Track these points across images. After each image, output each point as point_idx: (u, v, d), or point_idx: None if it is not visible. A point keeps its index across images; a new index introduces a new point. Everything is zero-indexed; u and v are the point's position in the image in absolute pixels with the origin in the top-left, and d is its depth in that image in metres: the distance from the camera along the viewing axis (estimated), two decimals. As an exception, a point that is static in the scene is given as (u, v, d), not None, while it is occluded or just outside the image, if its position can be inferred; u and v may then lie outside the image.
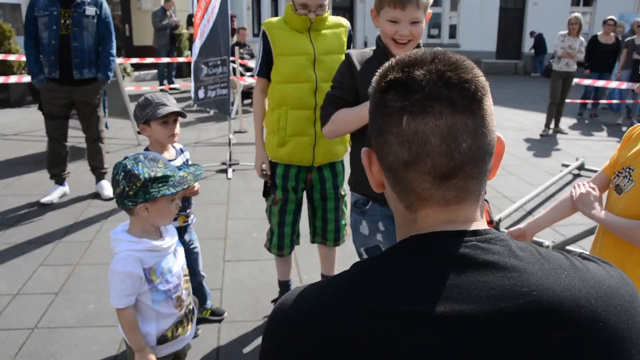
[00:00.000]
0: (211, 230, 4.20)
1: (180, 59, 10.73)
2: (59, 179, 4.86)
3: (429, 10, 1.99)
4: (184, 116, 2.65)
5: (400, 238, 0.82)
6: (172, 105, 2.49)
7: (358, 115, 1.96)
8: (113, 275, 1.86)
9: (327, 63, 2.51)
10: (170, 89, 11.48)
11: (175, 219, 2.47)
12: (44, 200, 4.67)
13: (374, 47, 2.10)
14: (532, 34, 19.62)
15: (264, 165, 2.72)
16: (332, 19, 2.60)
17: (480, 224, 0.78)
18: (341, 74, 2.09)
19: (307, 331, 0.70)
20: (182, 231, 2.69)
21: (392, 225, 2.18)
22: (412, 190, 0.77)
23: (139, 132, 2.87)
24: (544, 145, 7.87)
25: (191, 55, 6.16)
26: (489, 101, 0.76)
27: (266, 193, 2.78)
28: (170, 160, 2.37)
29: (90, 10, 4.49)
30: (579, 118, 10.29)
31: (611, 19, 10.10)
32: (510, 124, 9.49)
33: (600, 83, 9.03)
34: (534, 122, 9.25)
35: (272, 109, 2.64)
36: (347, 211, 2.71)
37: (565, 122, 9.53)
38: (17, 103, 9.56)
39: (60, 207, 4.64)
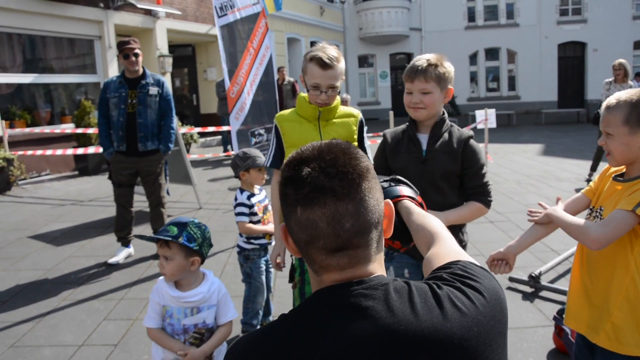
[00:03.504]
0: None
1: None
2: (125, 241, 5.34)
3: (450, 86, 2.35)
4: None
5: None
6: (264, 158, 3.39)
7: None
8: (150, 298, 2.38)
9: None
10: (230, 154, 12.15)
11: (263, 237, 3.51)
12: (111, 260, 5.14)
13: (407, 123, 2.49)
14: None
15: (278, 258, 2.76)
16: (343, 109, 2.71)
17: (373, 275, 0.97)
18: (377, 155, 2.53)
19: None
20: (265, 250, 3.57)
21: (416, 274, 2.40)
22: (314, 261, 0.97)
23: (237, 177, 3.55)
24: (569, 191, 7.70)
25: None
26: (368, 183, 0.95)
27: (291, 279, 2.81)
28: (255, 195, 3.54)
29: (154, 90, 5.06)
30: None
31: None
32: (566, 174, 9.35)
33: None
34: (584, 170, 9.04)
35: None
36: None
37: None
38: (93, 171, 10.46)
39: (125, 267, 5.09)
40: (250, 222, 3.46)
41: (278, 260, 2.78)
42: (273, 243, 3.58)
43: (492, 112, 9.09)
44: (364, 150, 2.75)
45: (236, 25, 6.29)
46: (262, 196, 3.60)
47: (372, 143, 7.36)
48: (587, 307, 2.07)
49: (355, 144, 2.70)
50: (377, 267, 0.99)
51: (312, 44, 20.80)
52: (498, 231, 5.92)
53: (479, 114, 9.11)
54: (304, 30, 19.87)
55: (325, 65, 2.46)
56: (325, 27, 21.61)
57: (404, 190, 1.58)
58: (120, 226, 5.30)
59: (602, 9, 21.89)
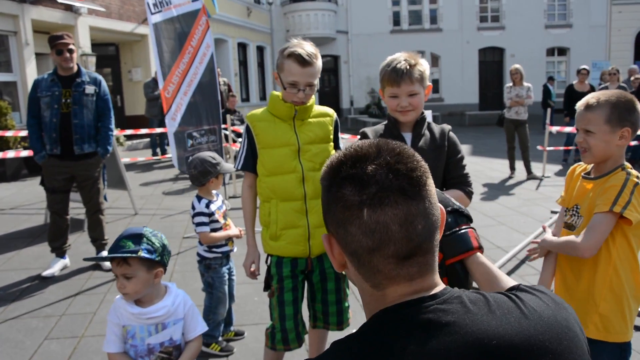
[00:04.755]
0: (212, 295, 4.26)
1: (173, 127, 10.97)
2: (60, 252, 4.93)
3: (429, 83, 2.30)
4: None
5: (370, 313, 0.90)
6: (228, 163, 3.24)
7: None
8: (108, 320, 2.13)
9: (312, 151, 2.49)
10: (164, 157, 11.70)
11: (225, 244, 3.35)
12: (46, 273, 4.73)
13: (385, 122, 2.42)
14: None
15: (253, 266, 2.63)
16: (318, 109, 2.59)
17: (440, 287, 0.89)
18: None
19: None
20: (227, 258, 3.42)
21: None
22: (379, 271, 0.86)
23: (202, 184, 3.29)
24: (531, 193, 8.07)
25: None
26: (431, 181, 0.88)
27: (267, 287, 2.62)
28: (213, 201, 3.33)
29: (90, 89, 4.71)
30: (564, 164, 10.58)
31: (584, 68, 10.59)
32: (496, 174, 9.73)
33: (580, 130, 9.35)
34: (520, 170, 9.50)
35: (262, 203, 2.58)
36: (351, 292, 2.78)
37: (551, 168, 9.81)
38: (12, 177, 9.71)
39: (62, 279, 4.70)
40: (211, 230, 3.27)
41: (252, 269, 2.63)
42: (235, 250, 3.43)
43: (428, 113, 9.26)
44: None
45: (172, 22, 6.00)
46: (220, 202, 3.42)
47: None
48: (571, 303, 2.11)
49: (332, 144, 2.59)
50: (438, 277, 0.91)
51: (240, 44, 20.50)
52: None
53: (427, 114, 9.32)
54: (231, 31, 19.52)
55: (304, 62, 2.34)
56: (253, 29, 21.36)
57: (474, 236, 1.38)
58: (55, 235, 4.89)
59: (518, 17, 23.13)
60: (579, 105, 2.09)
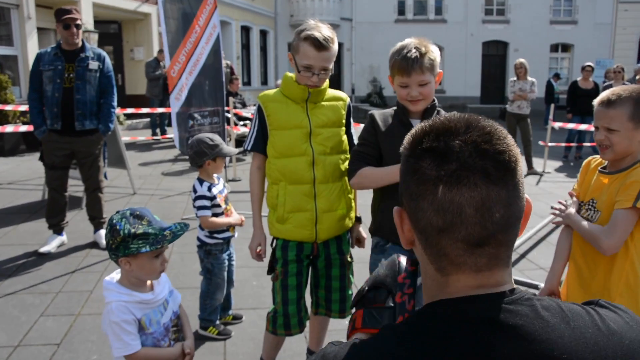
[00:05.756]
0: (210, 278, 4.23)
1: (173, 108, 10.90)
2: (57, 229, 4.89)
3: (439, 70, 2.25)
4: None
5: (428, 298, 0.84)
6: (229, 146, 3.20)
7: (384, 176, 2.17)
8: (112, 326, 1.91)
9: (324, 135, 2.45)
10: (164, 138, 11.63)
11: (227, 230, 3.27)
12: (42, 249, 4.69)
13: (394, 108, 2.37)
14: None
15: (259, 247, 2.60)
16: (331, 92, 2.54)
17: (509, 285, 0.81)
18: (366, 132, 2.35)
19: None
20: (228, 244, 3.36)
21: None
22: (445, 255, 0.79)
23: (199, 166, 3.23)
24: (531, 188, 8.05)
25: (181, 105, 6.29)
26: (520, 169, 0.80)
27: (271, 270, 2.58)
28: (215, 185, 3.24)
29: (94, 65, 4.64)
30: (565, 160, 10.56)
31: (589, 66, 10.53)
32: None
33: (583, 127, 9.33)
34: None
35: (270, 185, 2.54)
36: (354, 280, 2.75)
37: (551, 164, 9.78)
38: (10, 152, 9.63)
39: (58, 256, 4.66)
40: (213, 215, 3.22)
41: (258, 250, 2.59)
42: (236, 235, 3.39)
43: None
44: (350, 136, 2.61)
45: (177, 2, 5.91)
46: (222, 186, 3.37)
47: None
48: (586, 298, 2.09)
49: (343, 129, 2.55)
50: (509, 277, 0.83)
51: (243, 28, 20.33)
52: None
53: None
54: (235, 14, 19.34)
55: (320, 46, 2.29)
56: (257, 12, 21.17)
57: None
58: (53, 212, 4.84)
59: (523, 11, 22.98)
60: (598, 101, 2.04)
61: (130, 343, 1.92)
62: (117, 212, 1.97)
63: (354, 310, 1.11)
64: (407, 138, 0.85)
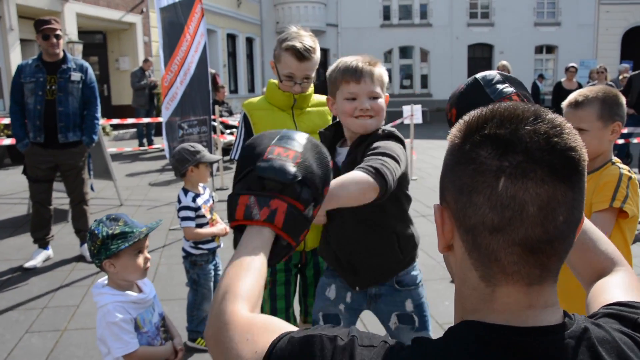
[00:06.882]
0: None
1: (161, 119, 10.85)
2: (43, 243, 4.82)
3: (386, 93, 1.97)
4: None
5: (465, 311, 0.75)
6: (211, 154, 3.09)
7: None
8: (111, 328, 1.94)
9: None
10: (151, 148, 11.56)
11: (212, 240, 3.23)
12: (28, 264, 4.62)
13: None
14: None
15: None
16: (317, 98, 2.49)
17: (557, 311, 0.72)
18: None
19: None
20: (213, 254, 3.30)
21: (358, 302, 2.11)
22: (497, 260, 0.69)
23: (182, 175, 3.18)
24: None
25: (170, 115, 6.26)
26: (585, 170, 0.71)
27: None
28: (200, 195, 3.21)
29: (76, 76, 4.59)
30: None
31: (572, 66, 10.63)
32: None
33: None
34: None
35: None
36: None
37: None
38: (-6, 166, 9.51)
39: (44, 271, 4.59)
40: (197, 225, 3.18)
41: None
42: (222, 245, 3.35)
43: (417, 108, 9.26)
44: None
45: (167, 10, 5.88)
46: (207, 195, 3.33)
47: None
48: (564, 302, 2.09)
49: None
50: (556, 295, 0.73)
51: (229, 35, 20.30)
52: (431, 225, 5.98)
53: (406, 110, 9.25)
54: (221, 22, 19.31)
55: (302, 57, 2.26)
56: (242, 20, 21.16)
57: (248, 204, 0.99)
58: (38, 226, 4.77)
59: (508, 14, 23.16)
60: (566, 104, 2.09)
61: (130, 342, 1.96)
62: (95, 220, 2.06)
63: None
64: (460, 125, 0.74)
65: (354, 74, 1.88)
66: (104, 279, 2.09)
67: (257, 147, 1.01)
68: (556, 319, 0.71)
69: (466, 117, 0.74)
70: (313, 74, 2.37)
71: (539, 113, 0.70)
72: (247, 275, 0.90)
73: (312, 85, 2.44)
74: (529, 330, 0.68)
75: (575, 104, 2.02)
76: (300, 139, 1.03)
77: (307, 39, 2.29)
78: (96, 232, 1.96)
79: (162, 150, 11.53)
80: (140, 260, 2.03)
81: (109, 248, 1.95)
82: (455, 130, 0.75)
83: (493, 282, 0.70)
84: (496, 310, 0.70)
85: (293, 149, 0.99)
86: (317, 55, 2.34)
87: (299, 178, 0.96)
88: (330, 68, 1.99)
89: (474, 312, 0.72)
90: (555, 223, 0.66)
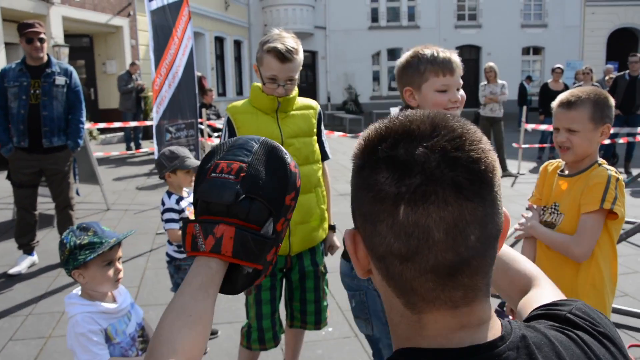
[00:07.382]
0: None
1: (148, 122, 10.80)
2: (28, 249, 4.76)
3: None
4: None
5: (400, 339, 0.71)
6: (194, 159, 3.15)
7: None
8: (78, 339, 1.90)
9: (296, 146, 2.39)
10: (138, 152, 11.48)
11: None
12: (12, 271, 4.56)
13: None
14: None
15: None
16: (301, 101, 2.51)
17: (494, 324, 0.69)
18: None
19: None
20: None
21: None
22: (413, 290, 0.65)
23: (162, 178, 3.22)
24: (506, 190, 8.12)
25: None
26: (498, 179, 0.67)
27: None
28: (184, 198, 3.17)
29: (60, 80, 4.55)
30: (539, 161, 10.69)
31: (559, 67, 10.71)
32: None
33: (555, 128, 9.46)
34: (496, 168, 9.55)
35: None
36: (329, 291, 2.71)
37: (526, 165, 9.90)
38: (-21, 171, 9.40)
39: (29, 277, 4.54)
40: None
41: None
42: None
43: (396, 110, 9.31)
44: (322, 144, 2.59)
45: (164, 11, 5.84)
46: (192, 198, 3.30)
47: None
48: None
49: (315, 138, 2.52)
50: (490, 309, 0.70)
51: (217, 38, 20.24)
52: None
53: (394, 111, 9.26)
54: (208, 25, 19.25)
55: (284, 58, 2.26)
56: (230, 22, 21.10)
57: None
58: (23, 232, 4.72)
59: (495, 16, 23.31)
60: (557, 104, 2.07)
61: (98, 353, 1.91)
62: (67, 228, 2.03)
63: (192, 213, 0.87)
64: (358, 143, 0.69)
65: (447, 66, 1.86)
66: (78, 288, 2.05)
67: (206, 164, 0.93)
68: (493, 333, 0.67)
69: (365, 134, 0.69)
70: (297, 76, 2.35)
71: (436, 124, 0.64)
72: (186, 325, 0.82)
73: (296, 88, 2.43)
74: (465, 351, 0.64)
75: (568, 104, 2.02)
76: (250, 145, 0.92)
77: (289, 41, 2.28)
78: (65, 241, 1.93)
79: (150, 154, 11.48)
80: (111, 271, 1.98)
81: (77, 258, 1.90)
82: (355, 150, 0.70)
83: (417, 310, 0.67)
84: (428, 336, 0.67)
85: (238, 160, 0.89)
86: (300, 57, 2.33)
87: (243, 196, 0.85)
88: (406, 58, 1.93)
89: (408, 340, 0.69)
90: (466, 244, 0.62)
